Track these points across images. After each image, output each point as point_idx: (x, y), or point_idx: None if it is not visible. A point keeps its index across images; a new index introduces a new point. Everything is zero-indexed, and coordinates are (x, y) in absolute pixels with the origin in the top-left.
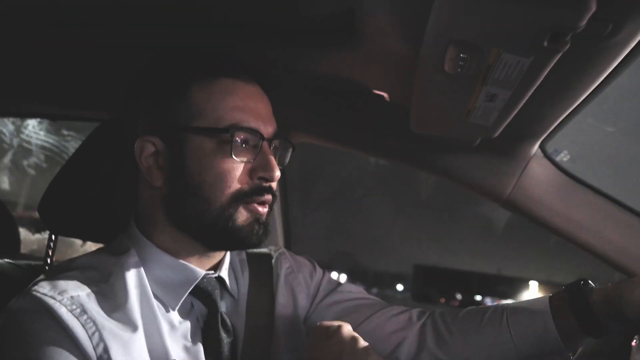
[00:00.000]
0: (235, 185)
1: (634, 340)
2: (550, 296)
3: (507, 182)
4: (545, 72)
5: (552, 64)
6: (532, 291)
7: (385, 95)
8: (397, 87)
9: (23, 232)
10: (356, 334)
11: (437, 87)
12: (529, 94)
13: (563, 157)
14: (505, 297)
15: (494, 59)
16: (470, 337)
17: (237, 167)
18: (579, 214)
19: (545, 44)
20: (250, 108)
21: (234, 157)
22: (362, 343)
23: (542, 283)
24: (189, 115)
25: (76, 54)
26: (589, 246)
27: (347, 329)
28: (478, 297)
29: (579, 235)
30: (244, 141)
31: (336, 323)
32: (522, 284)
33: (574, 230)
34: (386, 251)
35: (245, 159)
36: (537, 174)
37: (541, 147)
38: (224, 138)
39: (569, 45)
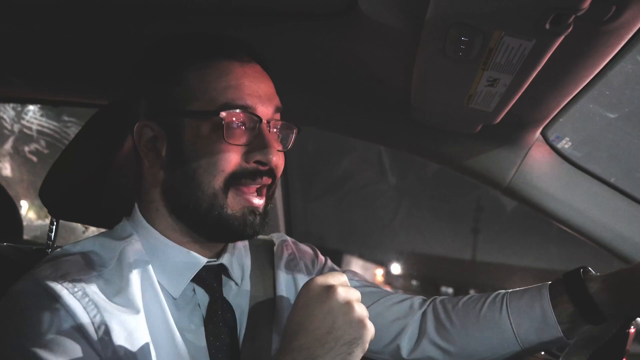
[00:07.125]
0: (228, 170)
1: (632, 328)
2: (549, 283)
3: (508, 169)
4: (547, 56)
5: (553, 48)
6: None
7: (386, 82)
8: (399, 74)
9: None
10: (352, 297)
11: (438, 71)
12: (531, 78)
13: (565, 144)
14: None
15: (496, 43)
16: (470, 325)
17: (231, 151)
18: (580, 201)
19: (548, 26)
20: (246, 88)
21: (226, 139)
22: (357, 313)
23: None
24: (184, 99)
25: (76, 40)
26: (589, 234)
27: (342, 290)
28: None
29: (580, 222)
30: (240, 122)
31: (332, 279)
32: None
33: (575, 217)
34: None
35: (240, 142)
36: (539, 161)
37: (543, 134)
38: (217, 120)
39: (571, 28)
